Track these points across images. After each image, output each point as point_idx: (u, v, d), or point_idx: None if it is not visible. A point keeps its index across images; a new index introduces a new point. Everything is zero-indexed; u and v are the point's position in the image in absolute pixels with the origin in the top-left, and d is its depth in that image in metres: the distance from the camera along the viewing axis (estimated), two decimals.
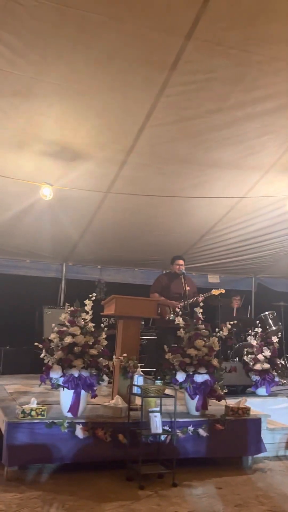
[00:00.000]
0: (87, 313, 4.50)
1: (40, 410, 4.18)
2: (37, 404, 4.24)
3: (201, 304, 5.14)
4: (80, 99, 4.65)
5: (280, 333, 7.36)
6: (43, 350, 4.38)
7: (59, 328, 4.43)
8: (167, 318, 6.76)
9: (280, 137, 5.37)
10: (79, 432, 4.15)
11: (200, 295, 6.80)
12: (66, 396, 4.33)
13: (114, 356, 4.83)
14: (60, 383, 4.26)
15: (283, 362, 6.95)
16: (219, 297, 7.29)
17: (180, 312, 5.81)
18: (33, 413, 4.14)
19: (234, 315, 8.46)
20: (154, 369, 7.01)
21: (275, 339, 6.67)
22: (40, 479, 4.06)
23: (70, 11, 3.69)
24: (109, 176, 5.97)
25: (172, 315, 6.69)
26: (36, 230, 7.38)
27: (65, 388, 4.28)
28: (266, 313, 8.10)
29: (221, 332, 4.98)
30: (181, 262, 7.00)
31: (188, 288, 6.72)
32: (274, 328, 7.86)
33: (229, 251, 8.68)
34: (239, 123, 5.06)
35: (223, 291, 7.22)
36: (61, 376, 4.24)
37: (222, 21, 3.83)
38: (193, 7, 3.69)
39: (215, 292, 7.07)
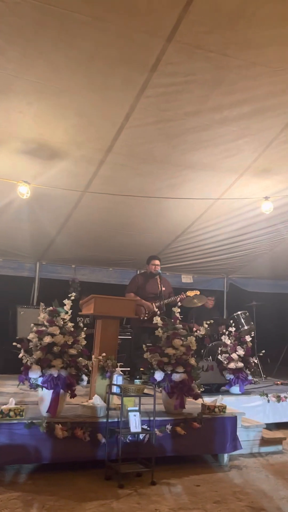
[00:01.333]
0: (67, 312, 4.48)
1: (19, 410, 4.14)
2: (15, 404, 4.20)
3: (179, 304, 5.19)
4: (59, 98, 4.62)
5: (252, 333, 7.49)
6: (22, 350, 4.34)
7: (38, 328, 4.40)
8: (142, 317, 6.80)
9: (255, 141, 5.47)
10: (58, 432, 4.13)
11: (177, 297, 6.85)
12: (45, 396, 4.31)
13: (92, 356, 4.83)
14: (39, 383, 4.24)
15: (255, 361, 7.07)
16: (194, 297, 7.36)
17: (158, 312, 5.85)
18: (12, 413, 4.10)
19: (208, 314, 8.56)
20: (129, 369, 7.04)
21: (248, 338, 6.79)
22: (19, 479, 4.03)
23: (52, 10, 3.66)
24: (87, 176, 5.96)
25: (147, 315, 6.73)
26: (10, 228, 7.29)
27: (44, 388, 4.25)
28: (239, 312, 8.23)
29: (198, 331, 5.04)
30: (157, 262, 7.05)
31: (163, 288, 6.77)
32: (246, 327, 7.99)
33: (203, 252, 8.79)
34: (217, 126, 5.13)
35: (198, 292, 7.30)
36: (40, 376, 4.22)
37: (203, 25, 3.88)
38: (174, 10, 3.72)
39: (190, 293, 7.14)
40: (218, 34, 3.98)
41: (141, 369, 4.86)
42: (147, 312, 6.83)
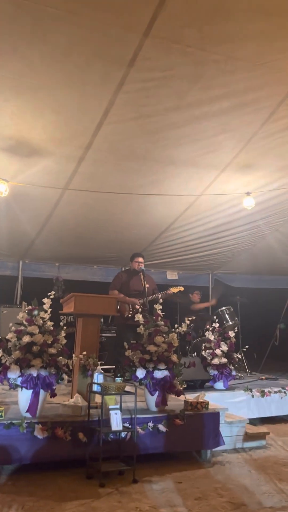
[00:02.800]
0: (46, 311, 4.44)
1: None
2: None
3: (161, 300, 5.16)
4: (36, 94, 4.55)
5: (236, 328, 7.51)
6: (0, 350, 4.29)
7: (17, 328, 4.35)
8: (126, 315, 6.77)
9: (236, 136, 5.46)
10: (38, 432, 4.10)
11: (159, 293, 6.83)
12: (24, 396, 4.27)
13: (73, 355, 4.79)
14: (18, 383, 4.19)
15: (239, 356, 7.09)
16: (178, 293, 7.34)
17: (140, 310, 5.82)
18: None
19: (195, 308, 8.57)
20: (113, 367, 7.01)
21: (232, 333, 6.81)
22: None
23: (26, 4, 3.60)
24: (67, 173, 5.90)
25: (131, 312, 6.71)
26: None
27: (23, 388, 4.21)
28: (223, 308, 8.23)
29: (180, 328, 5.02)
30: (140, 259, 7.01)
31: (147, 285, 6.74)
32: (231, 323, 8.00)
33: (187, 248, 8.78)
34: (197, 121, 5.10)
35: (182, 288, 7.28)
36: (19, 376, 4.18)
37: (180, 19, 3.85)
38: (151, 4, 3.68)
39: (173, 290, 7.12)
40: (195, 29, 3.95)
41: (122, 367, 4.83)
42: (131, 309, 6.80)
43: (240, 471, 4.52)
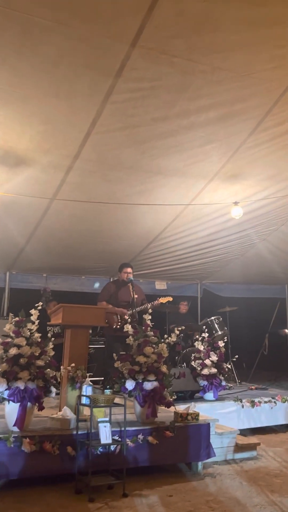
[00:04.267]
0: (33, 323, 4.38)
1: None
2: None
3: (150, 311, 5.13)
4: (24, 104, 4.52)
5: (226, 338, 7.50)
6: None
7: (3, 340, 4.28)
8: (114, 326, 6.72)
9: (223, 146, 5.47)
10: (26, 446, 4.03)
11: (148, 304, 6.80)
12: (11, 410, 4.19)
13: (61, 367, 4.72)
14: (5, 396, 4.12)
15: (229, 367, 7.06)
16: (167, 303, 7.32)
17: (129, 320, 5.78)
18: None
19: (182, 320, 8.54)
20: (103, 378, 6.94)
21: (221, 343, 6.78)
22: None
23: (14, 14, 3.58)
24: (55, 182, 5.87)
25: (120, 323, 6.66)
26: None
27: (10, 401, 4.13)
28: (212, 318, 8.21)
29: (169, 338, 4.98)
30: (129, 270, 6.98)
31: (136, 296, 6.70)
32: (220, 332, 7.98)
33: (175, 258, 8.77)
34: (184, 131, 5.11)
35: (171, 299, 7.26)
36: (6, 389, 4.10)
37: (167, 29, 3.86)
38: (138, 15, 3.68)
39: (162, 300, 7.09)
40: (182, 39, 3.96)
41: (113, 378, 4.77)
42: (119, 320, 6.74)
43: (232, 483, 4.48)
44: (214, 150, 5.50)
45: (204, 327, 7.75)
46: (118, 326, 6.65)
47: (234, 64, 4.27)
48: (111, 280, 8.76)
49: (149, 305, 6.63)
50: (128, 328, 4.96)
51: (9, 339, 4.27)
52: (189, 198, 6.63)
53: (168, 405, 4.84)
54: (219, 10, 3.72)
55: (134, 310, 6.57)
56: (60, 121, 4.81)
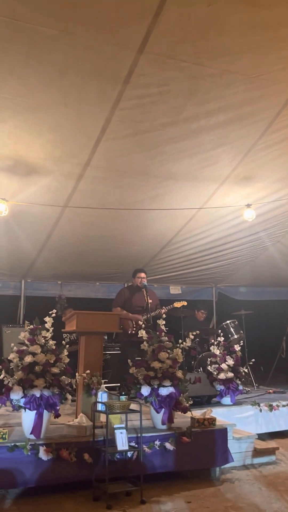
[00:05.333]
0: (48, 330, 4.39)
1: (1, 433, 4.03)
2: None
3: (164, 316, 5.11)
4: (33, 114, 4.57)
5: (242, 341, 7.43)
6: (3, 371, 4.23)
7: (19, 348, 4.30)
8: (129, 332, 6.71)
9: (234, 149, 5.46)
10: (43, 454, 4.03)
11: (163, 307, 6.79)
12: (28, 418, 4.20)
13: (77, 373, 4.73)
14: (22, 404, 4.13)
15: (246, 371, 6.99)
16: (181, 308, 7.30)
17: (144, 326, 5.77)
18: None
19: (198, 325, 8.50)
20: (118, 384, 6.93)
21: (237, 347, 6.72)
22: (3, 505, 3.90)
23: (21, 25, 3.63)
24: (66, 190, 5.90)
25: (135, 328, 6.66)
26: None
27: (26, 409, 4.14)
28: (228, 321, 8.16)
29: (184, 343, 4.96)
30: (142, 275, 6.98)
31: (150, 301, 6.69)
32: (236, 336, 7.92)
33: (189, 262, 8.74)
34: (194, 135, 5.11)
35: (185, 303, 7.24)
36: (22, 397, 4.12)
37: (173, 34, 3.87)
38: (144, 21, 3.71)
39: (177, 304, 7.08)
40: (189, 43, 3.98)
41: (127, 384, 4.76)
42: (134, 326, 6.74)
43: (250, 488, 4.42)
44: (224, 153, 5.49)
45: (219, 331, 7.71)
46: (134, 332, 6.65)
47: (242, 67, 4.27)
48: (125, 286, 8.76)
49: (163, 310, 6.60)
50: (142, 333, 4.95)
51: (24, 347, 4.29)
52: (201, 202, 6.62)
53: (185, 410, 4.81)
54: (225, 13, 3.72)
55: (148, 315, 6.57)
56: (70, 129, 4.85)
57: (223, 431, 4.81)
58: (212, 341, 7.11)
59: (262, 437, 5.92)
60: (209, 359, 6.75)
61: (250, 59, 4.20)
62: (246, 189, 6.31)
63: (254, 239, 8.08)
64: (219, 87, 4.47)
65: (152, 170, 5.71)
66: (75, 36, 3.78)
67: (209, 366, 6.62)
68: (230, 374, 6.45)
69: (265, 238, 8.09)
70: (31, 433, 4.18)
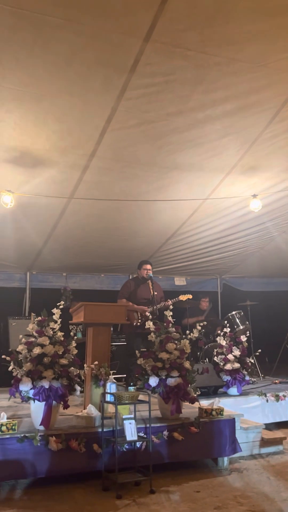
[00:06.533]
0: (56, 322, 4.39)
1: (11, 424, 4.04)
2: (7, 418, 4.10)
3: (171, 307, 5.10)
4: (38, 104, 4.54)
5: (248, 332, 7.42)
6: (11, 363, 4.24)
7: (27, 339, 4.31)
8: (135, 323, 6.71)
9: (240, 139, 5.42)
10: (52, 444, 4.04)
11: (168, 300, 6.77)
12: (37, 409, 4.21)
13: (85, 365, 4.74)
14: (31, 395, 4.14)
15: (252, 361, 6.99)
16: (187, 301, 7.28)
17: (150, 317, 5.76)
18: (4, 428, 4.00)
19: (203, 316, 8.50)
20: (125, 375, 6.95)
21: (243, 338, 6.72)
22: (14, 496, 3.92)
23: (26, 14, 3.60)
24: (72, 181, 5.88)
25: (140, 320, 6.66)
26: None
27: (35, 401, 4.16)
28: (233, 312, 8.14)
29: (191, 334, 4.96)
30: (148, 266, 6.97)
31: (155, 293, 6.68)
32: (241, 327, 7.92)
33: (194, 253, 8.72)
34: (200, 125, 5.07)
35: (191, 296, 7.22)
36: (31, 388, 4.12)
37: (180, 23, 3.83)
38: (150, 9, 3.67)
39: (182, 297, 7.06)
40: (195, 32, 3.93)
41: (136, 375, 4.76)
42: (140, 317, 6.74)
43: (259, 478, 4.43)
44: (231, 143, 5.46)
45: (225, 321, 7.70)
46: (139, 323, 6.65)
47: (250, 55, 4.23)
48: (130, 277, 8.75)
49: (170, 302, 6.59)
50: (149, 324, 4.95)
51: (33, 339, 4.30)
52: (207, 192, 6.59)
53: (192, 401, 4.81)
54: (232, 1, 3.68)
55: (154, 307, 6.56)
56: (75, 120, 4.82)
57: (231, 421, 4.81)
58: (218, 332, 7.10)
59: (269, 427, 5.93)
60: (215, 350, 6.75)
61: (257, 47, 4.16)
62: (252, 179, 6.28)
63: (260, 230, 8.05)
64: (226, 75, 4.43)
65: (158, 160, 5.68)
66: (80, 25, 3.74)
67: (216, 357, 6.62)
68: (237, 365, 6.46)
69: (271, 229, 8.06)
70: (40, 424, 4.19)
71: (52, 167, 5.51)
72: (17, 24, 3.68)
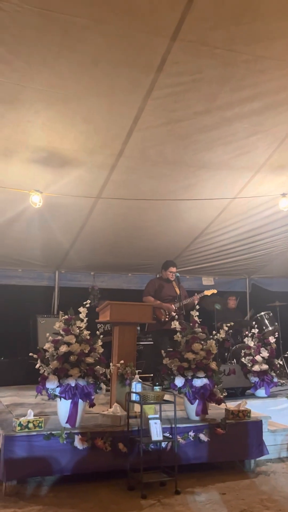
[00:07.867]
0: (82, 320, 4.42)
1: (38, 422, 4.09)
2: (34, 415, 4.16)
3: (197, 306, 5.07)
4: (66, 105, 4.59)
5: (276, 333, 7.31)
6: (38, 361, 4.29)
7: (54, 337, 4.35)
8: (162, 319, 6.69)
9: (269, 137, 5.35)
10: (78, 442, 4.07)
11: (196, 294, 6.73)
12: (63, 406, 4.25)
13: (111, 364, 4.76)
14: (57, 393, 4.18)
15: (281, 363, 6.88)
16: (211, 295, 7.20)
17: (176, 316, 5.74)
18: (30, 425, 4.05)
19: (231, 315, 8.43)
20: (152, 375, 6.94)
21: (272, 339, 6.63)
22: (40, 492, 3.97)
23: (53, 15, 3.64)
24: (99, 181, 5.91)
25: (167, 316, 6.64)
26: (27, 238, 7.28)
27: (62, 398, 4.19)
28: (262, 313, 8.05)
29: (218, 334, 4.92)
30: (174, 269, 6.93)
31: (180, 291, 6.66)
32: (270, 328, 7.81)
33: (222, 253, 8.64)
34: (228, 123, 5.02)
35: (215, 291, 7.18)
36: (57, 386, 4.16)
37: (207, 21, 3.80)
38: (177, 7, 3.66)
39: (207, 292, 7.02)
40: (223, 30, 3.90)
41: (160, 375, 4.76)
42: (167, 314, 6.73)
43: (286, 481, 4.36)
44: (259, 141, 5.39)
45: (254, 322, 7.61)
46: (167, 319, 6.62)
47: (278, 52, 4.16)
48: (157, 276, 8.74)
49: (196, 297, 6.53)
50: (175, 324, 4.93)
51: (59, 337, 4.34)
52: (235, 191, 6.51)
53: (219, 402, 4.77)
54: None
55: (181, 304, 6.54)
56: (103, 120, 4.85)
57: (258, 423, 4.75)
58: (246, 332, 7.03)
59: None
60: (243, 351, 6.69)
61: (285, 44, 4.09)
62: (281, 177, 6.17)
63: None
64: (254, 73, 4.38)
65: (185, 159, 5.65)
66: (107, 25, 3.76)
67: (243, 358, 6.56)
68: (265, 366, 6.38)
69: None
70: (66, 422, 4.23)
71: (80, 167, 5.56)
72: (45, 25, 3.72)
